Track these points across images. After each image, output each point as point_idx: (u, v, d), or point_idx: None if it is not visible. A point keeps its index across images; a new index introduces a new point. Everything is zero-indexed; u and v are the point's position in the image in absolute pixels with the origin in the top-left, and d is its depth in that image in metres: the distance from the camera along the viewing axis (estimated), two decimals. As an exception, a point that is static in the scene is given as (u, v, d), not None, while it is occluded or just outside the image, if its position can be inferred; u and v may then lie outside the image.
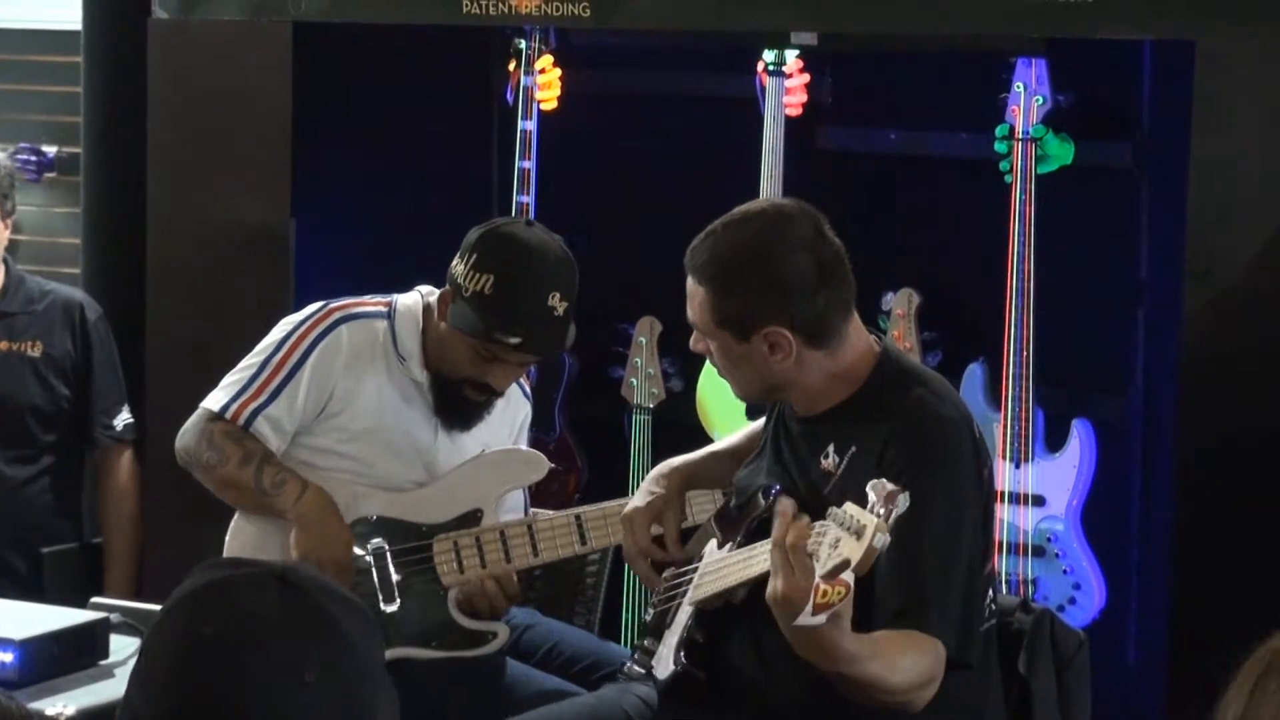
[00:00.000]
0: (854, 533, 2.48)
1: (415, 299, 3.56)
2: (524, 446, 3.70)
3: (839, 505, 2.54)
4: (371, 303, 3.56)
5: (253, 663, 1.65)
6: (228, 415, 3.47)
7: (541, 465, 3.60)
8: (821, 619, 2.54)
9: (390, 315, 3.53)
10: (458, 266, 3.44)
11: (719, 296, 2.94)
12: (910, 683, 2.74)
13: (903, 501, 2.48)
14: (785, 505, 2.70)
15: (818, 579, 2.50)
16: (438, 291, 3.53)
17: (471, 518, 3.50)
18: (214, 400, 3.50)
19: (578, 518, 3.53)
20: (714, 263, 2.94)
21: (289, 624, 1.67)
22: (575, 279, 3.45)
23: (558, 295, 3.40)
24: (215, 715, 1.65)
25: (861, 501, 2.51)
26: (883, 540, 2.46)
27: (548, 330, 3.42)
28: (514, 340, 3.39)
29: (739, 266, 2.93)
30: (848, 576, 2.50)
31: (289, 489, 3.42)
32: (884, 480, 2.51)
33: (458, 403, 3.51)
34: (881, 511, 2.47)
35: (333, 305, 3.54)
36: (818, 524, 2.58)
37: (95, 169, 4.97)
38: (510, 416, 3.68)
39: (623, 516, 3.24)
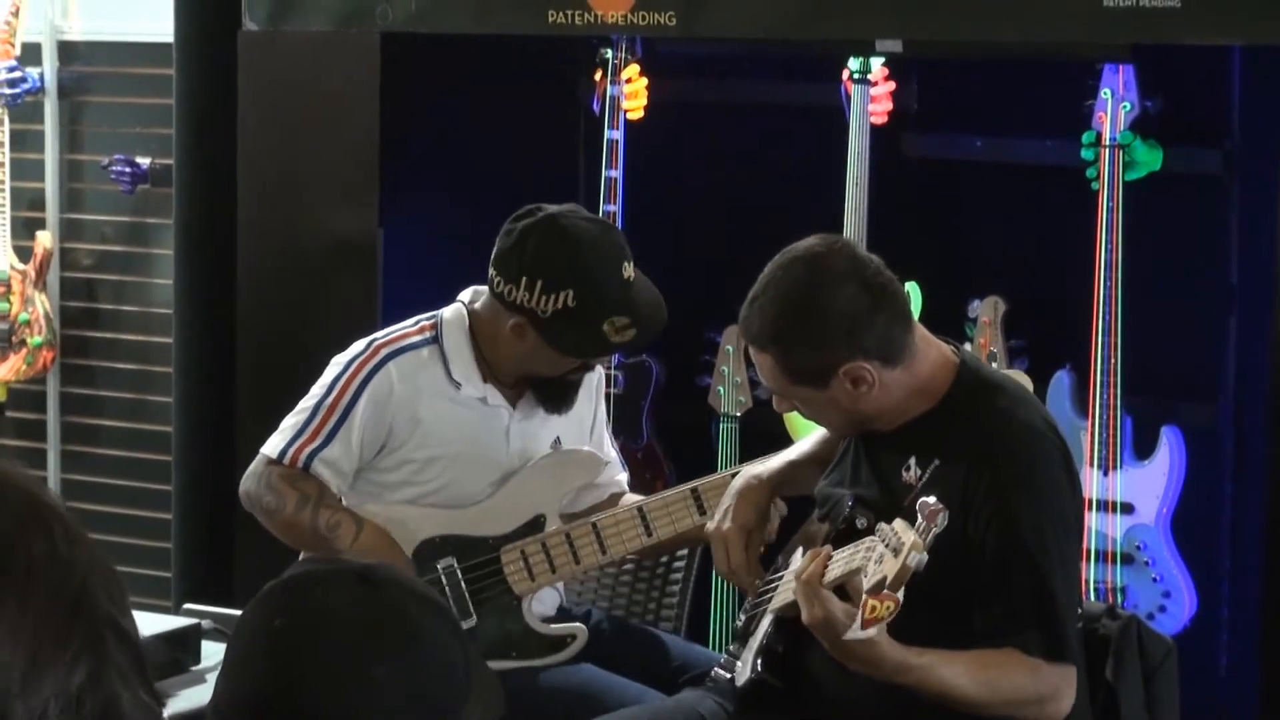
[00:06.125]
0: (893, 550, 2.56)
1: (458, 311, 3.51)
2: (601, 410, 3.67)
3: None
4: (415, 331, 3.50)
5: (316, 654, 1.66)
6: (285, 460, 3.46)
7: (597, 463, 3.59)
8: (871, 633, 2.60)
9: (437, 339, 3.48)
10: (517, 296, 3.36)
11: (786, 356, 2.92)
12: (1006, 699, 2.79)
13: (942, 519, 2.55)
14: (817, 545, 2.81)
15: (865, 594, 2.58)
16: (480, 290, 3.49)
17: (535, 524, 3.49)
18: (272, 446, 3.49)
19: (640, 510, 3.50)
20: (769, 325, 2.92)
21: (360, 620, 1.67)
22: (623, 239, 3.46)
23: (629, 265, 3.41)
24: (277, 704, 1.65)
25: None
26: (917, 559, 2.53)
27: (640, 299, 3.41)
28: (631, 332, 3.39)
29: (794, 321, 2.91)
30: (900, 593, 2.55)
31: (344, 530, 3.42)
32: (931, 499, 2.57)
33: (561, 388, 3.51)
34: (922, 527, 2.54)
35: (379, 342, 3.49)
36: (868, 539, 2.66)
37: (187, 180, 4.99)
38: (586, 392, 3.62)
39: (713, 536, 3.21)
